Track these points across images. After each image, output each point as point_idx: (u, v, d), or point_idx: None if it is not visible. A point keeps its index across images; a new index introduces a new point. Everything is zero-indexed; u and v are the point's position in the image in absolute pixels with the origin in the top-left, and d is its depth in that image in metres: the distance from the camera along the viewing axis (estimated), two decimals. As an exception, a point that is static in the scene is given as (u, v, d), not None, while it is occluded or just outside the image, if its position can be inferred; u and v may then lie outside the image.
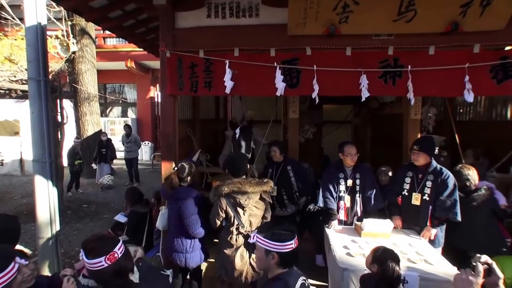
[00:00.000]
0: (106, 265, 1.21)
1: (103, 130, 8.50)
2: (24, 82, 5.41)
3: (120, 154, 7.87)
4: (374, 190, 2.71)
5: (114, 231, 3.21)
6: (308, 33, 2.56)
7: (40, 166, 3.29)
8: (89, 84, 8.08)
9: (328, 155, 5.44)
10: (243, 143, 3.96)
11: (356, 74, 2.52)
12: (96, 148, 7.19)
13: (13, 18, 6.81)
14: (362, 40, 2.57)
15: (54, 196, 3.17)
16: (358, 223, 2.61)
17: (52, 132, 3.42)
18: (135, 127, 10.18)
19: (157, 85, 11.26)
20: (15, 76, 5.52)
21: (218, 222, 2.25)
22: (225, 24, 2.72)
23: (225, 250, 2.25)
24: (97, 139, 7.46)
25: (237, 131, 3.88)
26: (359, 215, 2.74)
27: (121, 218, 3.23)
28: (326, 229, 2.66)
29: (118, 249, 1.26)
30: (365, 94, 2.47)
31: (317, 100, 2.54)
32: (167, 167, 2.92)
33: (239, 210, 2.19)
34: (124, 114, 11.97)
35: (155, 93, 11.36)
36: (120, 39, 10.47)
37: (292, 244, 1.32)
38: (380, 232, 2.43)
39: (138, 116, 11.47)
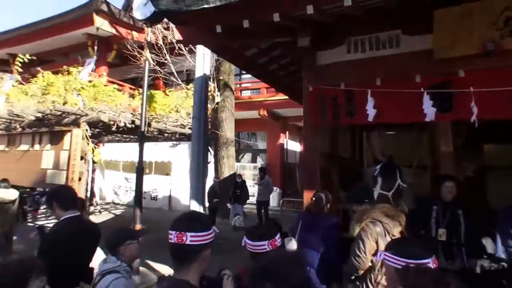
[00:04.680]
0: (268, 249, 1.59)
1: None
2: (182, 126, 7.41)
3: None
4: None
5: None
6: (458, 54, 2.62)
7: (195, 192, 4.38)
8: (227, 130, 10.06)
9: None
10: (379, 179, 3.95)
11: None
12: (231, 189, 8.58)
13: (177, 80, 9.77)
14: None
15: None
16: None
17: (205, 165, 4.57)
18: (263, 173, 11.50)
19: (287, 132, 12.63)
20: (177, 121, 7.61)
21: (365, 261, 2.09)
22: (365, 57, 3.13)
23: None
24: (233, 181, 8.91)
25: (377, 167, 3.93)
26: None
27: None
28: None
29: (278, 239, 1.65)
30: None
31: (475, 123, 2.44)
32: (308, 196, 3.31)
33: (388, 239, 2.06)
34: (253, 160, 13.80)
35: (284, 140, 12.71)
36: (254, 90, 12.85)
37: (429, 264, 1.23)
38: None
39: (267, 162, 12.94)
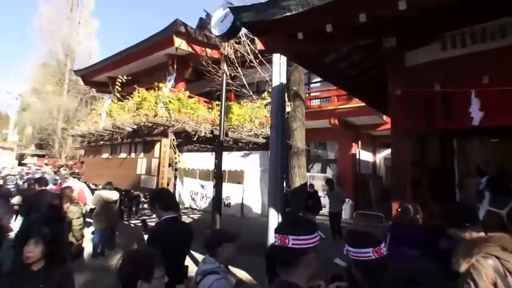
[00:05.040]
0: (373, 257, 1.51)
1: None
2: (256, 135, 7.61)
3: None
4: None
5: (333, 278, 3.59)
6: None
7: (274, 199, 4.41)
8: (298, 140, 9.99)
9: None
10: (487, 194, 3.44)
11: None
12: (303, 199, 8.47)
13: (248, 91, 10.16)
14: None
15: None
16: None
17: (283, 174, 4.58)
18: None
19: (359, 142, 12.04)
20: (251, 130, 7.84)
21: None
22: (467, 52, 2.81)
23: None
24: (304, 190, 8.79)
25: (483, 180, 3.46)
26: None
27: (339, 261, 3.60)
28: None
29: (383, 247, 1.56)
30: None
31: None
32: (396, 208, 3.08)
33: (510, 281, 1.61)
34: (323, 170, 13.44)
35: (356, 150, 12.12)
36: (324, 99, 12.61)
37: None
38: None
39: (338, 172, 12.48)
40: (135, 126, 5.31)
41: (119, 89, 7.05)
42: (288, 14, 2.82)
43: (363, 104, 10.06)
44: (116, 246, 6.31)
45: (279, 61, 4.64)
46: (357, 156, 12.06)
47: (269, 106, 9.28)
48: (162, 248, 2.36)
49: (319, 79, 13.36)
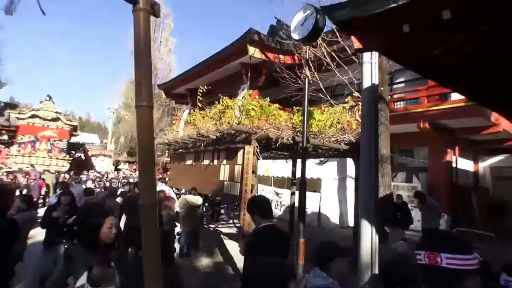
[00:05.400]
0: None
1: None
2: (337, 142, 7.20)
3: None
4: None
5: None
6: None
7: (367, 210, 4.04)
8: (383, 146, 9.19)
9: None
10: None
11: None
12: (390, 210, 7.71)
13: (326, 96, 9.73)
14: None
15: (376, 241, 3.72)
16: None
17: (377, 179, 4.17)
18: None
19: (456, 148, 10.59)
20: (332, 136, 7.45)
21: None
22: None
23: None
24: (389, 201, 8.01)
25: None
26: None
27: None
28: None
29: None
30: None
31: None
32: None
33: None
34: (408, 179, 12.16)
35: (452, 157, 10.67)
36: (411, 100, 11.46)
37: None
38: None
39: (429, 183, 11.15)
40: (218, 134, 5.49)
41: (200, 98, 7.46)
42: (394, 5, 2.52)
43: (461, 104, 8.84)
44: (200, 248, 6.63)
45: (370, 60, 4.29)
46: (454, 165, 10.58)
47: (351, 110, 8.80)
48: (261, 256, 2.32)
49: (403, 79, 12.25)
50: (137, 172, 22.08)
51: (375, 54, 4.33)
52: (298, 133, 5.67)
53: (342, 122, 6.87)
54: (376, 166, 3.92)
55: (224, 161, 5.65)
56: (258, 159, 5.08)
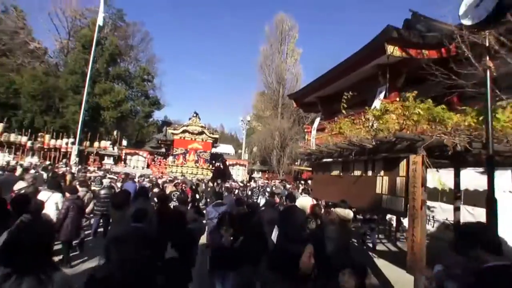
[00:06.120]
0: None
1: None
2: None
3: None
4: None
5: None
6: None
7: None
8: None
9: None
10: None
11: None
12: None
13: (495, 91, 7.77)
14: None
15: None
16: None
17: None
18: None
19: None
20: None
21: None
22: None
23: None
24: None
25: None
26: None
27: None
28: None
29: None
30: None
31: None
32: None
33: None
34: None
35: None
36: None
37: None
38: None
39: None
40: (374, 142, 5.05)
41: (345, 105, 7.14)
42: None
43: None
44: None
45: None
46: None
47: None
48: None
49: None
50: (272, 182, 23.41)
51: None
52: (475, 138, 4.66)
53: (540, 120, 5.26)
54: None
55: (381, 172, 5.13)
56: (427, 168, 4.38)
